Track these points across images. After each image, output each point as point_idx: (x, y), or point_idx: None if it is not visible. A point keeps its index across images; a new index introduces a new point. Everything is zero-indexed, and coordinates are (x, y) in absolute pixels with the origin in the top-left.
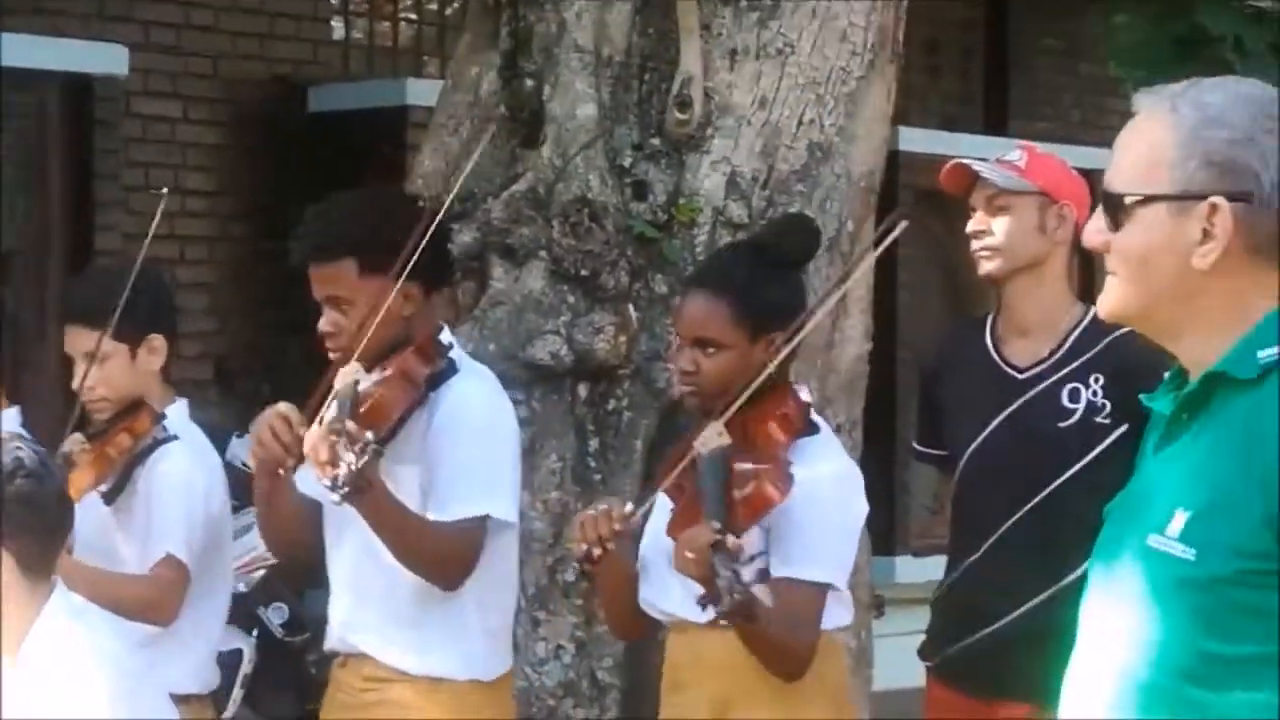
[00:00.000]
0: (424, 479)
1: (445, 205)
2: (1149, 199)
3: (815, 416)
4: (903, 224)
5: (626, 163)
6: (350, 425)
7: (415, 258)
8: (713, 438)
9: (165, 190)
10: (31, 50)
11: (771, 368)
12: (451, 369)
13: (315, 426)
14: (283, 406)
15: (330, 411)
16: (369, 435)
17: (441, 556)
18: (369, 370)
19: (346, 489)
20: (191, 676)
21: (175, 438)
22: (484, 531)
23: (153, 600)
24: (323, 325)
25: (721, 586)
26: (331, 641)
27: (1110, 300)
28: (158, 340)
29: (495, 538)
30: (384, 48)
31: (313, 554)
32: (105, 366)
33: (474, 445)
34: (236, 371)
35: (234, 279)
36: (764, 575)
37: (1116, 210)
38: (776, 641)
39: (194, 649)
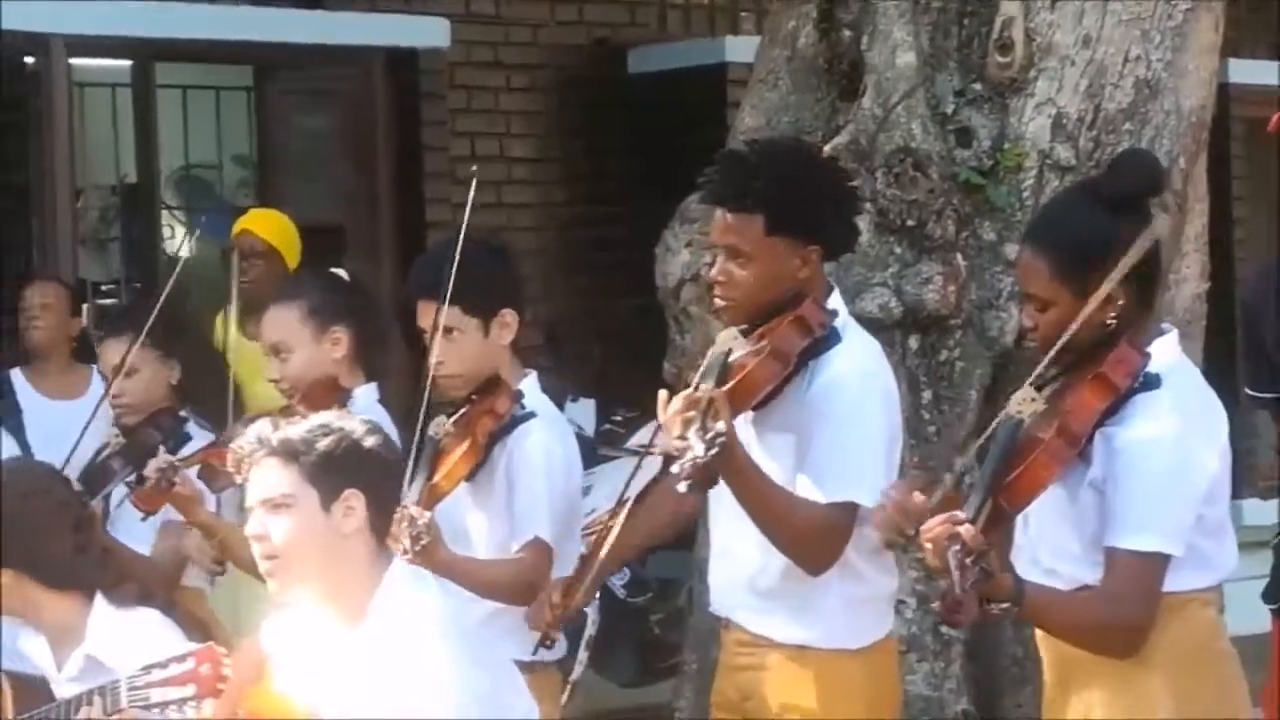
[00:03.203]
0: (799, 446)
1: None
2: None
3: (1168, 367)
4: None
5: (949, 109)
6: (710, 393)
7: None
8: (1024, 403)
9: (474, 169)
10: (356, 26)
11: (1066, 339)
12: (834, 337)
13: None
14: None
15: (700, 376)
16: (720, 426)
17: (808, 537)
18: (751, 329)
19: (689, 481)
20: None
21: (534, 414)
22: (852, 518)
23: (524, 584)
24: (714, 273)
25: (944, 586)
26: (714, 605)
27: None
28: (509, 315)
29: (863, 522)
30: (700, 6)
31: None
32: (457, 342)
33: (847, 427)
34: (566, 336)
35: (560, 244)
36: (984, 574)
37: None
38: (1090, 622)
39: None
